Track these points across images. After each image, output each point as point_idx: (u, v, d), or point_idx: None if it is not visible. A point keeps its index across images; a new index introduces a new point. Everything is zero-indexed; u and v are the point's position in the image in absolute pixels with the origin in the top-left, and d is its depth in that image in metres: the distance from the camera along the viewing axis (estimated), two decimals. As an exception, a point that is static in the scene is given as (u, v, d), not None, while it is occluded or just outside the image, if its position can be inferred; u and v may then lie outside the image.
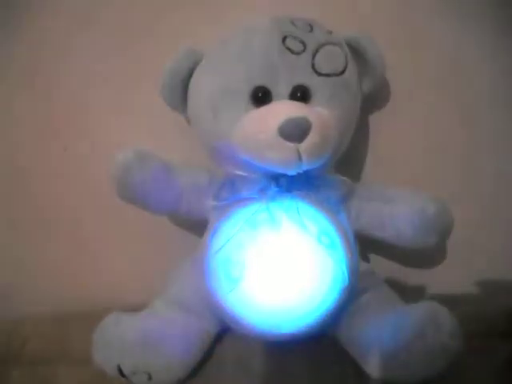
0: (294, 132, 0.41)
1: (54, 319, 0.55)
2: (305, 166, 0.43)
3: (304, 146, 0.41)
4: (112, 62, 0.56)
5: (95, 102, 0.57)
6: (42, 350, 0.53)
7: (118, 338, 0.45)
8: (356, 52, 0.47)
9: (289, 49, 0.44)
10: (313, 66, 0.44)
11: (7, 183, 0.60)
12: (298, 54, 0.44)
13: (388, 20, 0.55)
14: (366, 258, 0.55)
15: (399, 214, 0.47)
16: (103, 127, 0.57)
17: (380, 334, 0.44)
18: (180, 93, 0.48)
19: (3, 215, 0.60)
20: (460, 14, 0.55)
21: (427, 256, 0.56)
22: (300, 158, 0.42)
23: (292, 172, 0.44)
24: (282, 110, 0.42)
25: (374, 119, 0.56)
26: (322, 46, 0.45)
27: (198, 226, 0.50)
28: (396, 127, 0.56)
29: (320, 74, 0.44)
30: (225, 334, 0.50)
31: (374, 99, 0.53)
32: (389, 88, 0.55)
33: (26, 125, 0.59)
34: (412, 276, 0.57)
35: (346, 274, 0.45)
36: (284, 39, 0.44)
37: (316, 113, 0.43)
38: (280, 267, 0.45)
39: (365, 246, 0.52)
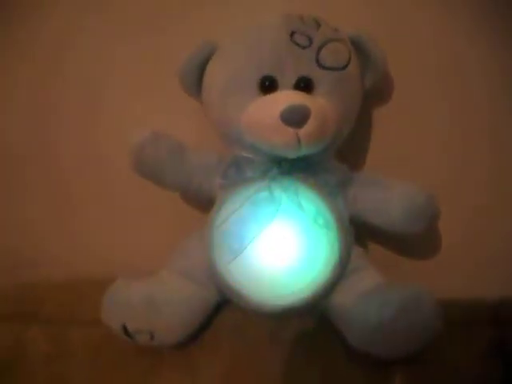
0: (294, 118, 0.46)
1: (67, 284, 0.61)
2: (304, 150, 0.48)
3: (303, 131, 0.47)
4: (133, 48, 0.62)
5: (115, 85, 0.63)
6: (56, 311, 0.59)
7: (125, 300, 0.50)
8: (359, 49, 0.53)
9: (296, 43, 0.49)
10: (317, 60, 0.49)
11: (32, 153, 0.66)
12: (304, 48, 0.49)
13: (390, 18, 0.59)
14: (363, 245, 0.59)
15: (392, 201, 0.52)
16: (123, 109, 0.63)
17: (366, 309, 0.49)
18: (196, 80, 0.54)
19: (27, 183, 0.67)
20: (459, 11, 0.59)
21: (421, 248, 0.62)
22: (299, 143, 0.47)
23: (292, 155, 0.49)
24: (285, 98, 0.48)
25: (377, 112, 0.61)
26: (327, 41, 0.50)
27: (206, 204, 0.55)
28: (397, 120, 0.61)
29: (323, 68, 0.50)
30: (224, 305, 0.55)
31: (376, 94, 0.58)
32: (392, 83, 0.59)
33: (45, 104, 0.65)
34: (404, 266, 0.62)
35: (338, 253, 0.50)
36: (292, 34, 0.49)
37: (317, 102, 0.48)
38: (277, 243, 0.50)
39: (363, 235, 0.57)
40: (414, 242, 0.59)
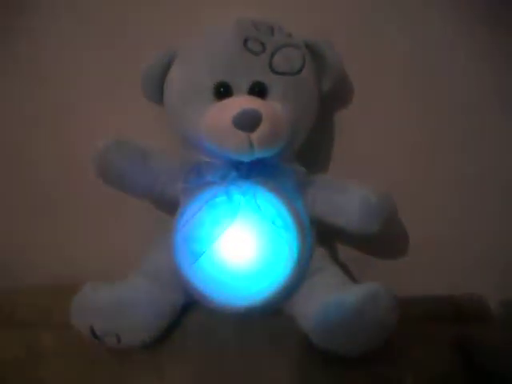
0: (246, 122, 0.48)
1: (42, 290, 0.62)
2: (257, 154, 0.50)
3: (255, 135, 0.48)
4: (98, 55, 0.63)
5: (83, 93, 0.65)
6: (29, 316, 0.60)
7: (92, 302, 0.52)
8: (315, 53, 0.54)
9: (249, 49, 0.51)
10: (270, 66, 0.51)
11: (3, 159, 0.68)
12: (257, 54, 0.51)
13: (350, 17, 0.61)
14: (327, 246, 0.60)
15: (348, 203, 0.54)
16: (90, 115, 0.65)
17: (326, 309, 0.50)
18: (156, 87, 0.56)
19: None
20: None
21: (388, 248, 0.64)
22: (252, 146, 0.49)
23: (246, 158, 0.51)
24: (238, 103, 0.50)
25: (338, 115, 0.63)
26: (280, 47, 0.52)
27: (171, 208, 0.57)
28: (358, 122, 0.62)
29: (276, 73, 0.52)
30: (191, 306, 0.56)
31: (337, 96, 0.60)
32: (352, 84, 0.61)
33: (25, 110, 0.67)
34: (373, 266, 0.64)
35: (297, 254, 0.52)
36: (246, 41, 0.51)
37: (270, 107, 0.50)
38: (236, 245, 0.52)
39: (332, 236, 0.59)
40: (382, 241, 0.60)
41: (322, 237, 0.57)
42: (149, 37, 0.61)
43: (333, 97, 0.58)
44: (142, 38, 0.61)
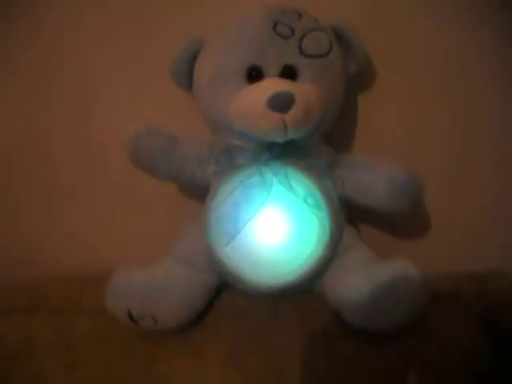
0: (280, 103, 0.51)
1: (72, 279, 0.65)
2: (290, 135, 0.53)
3: (289, 116, 0.51)
4: (127, 47, 0.67)
5: (108, 83, 0.68)
6: (61, 303, 0.62)
7: (129, 286, 0.54)
8: (340, 38, 0.57)
9: (279, 34, 0.54)
10: (300, 49, 0.54)
11: (26, 152, 0.70)
12: (286, 38, 0.54)
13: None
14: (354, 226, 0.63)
15: (376, 182, 0.57)
16: (120, 104, 0.68)
17: (357, 286, 0.52)
18: (186, 75, 0.59)
19: (22, 182, 0.71)
20: None
21: (410, 226, 0.67)
22: (285, 127, 0.51)
23: (279, 139, 0.54)
24: (271, 85, 0.53)
25: (363, 97, 0.66)
26: (308, 31, 0.54)
27: (202, 193, 0.59)
28: (383, 104, 0.66)
29: (306, 56, 0.54)
30: (224, 288, 0.59)
31: (361, 78, 0.63)
32: (377, 68, 0.64)
33: (46, 99, 0.69)
34: (395, 245, 0.67)
35: (329, 232, 0.55)
36: (275, 26, 0.54)
37: (301, 88, 0.53)
38: (271, 224, 0.55)
39: (354, 216, 0.61)
40: (404, 220, 0.64)
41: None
42: (175, 24, 0.64)
43: (358, 80, 0.61)
44: (169, 25, 0.64)
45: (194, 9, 0.64)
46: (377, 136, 0.66)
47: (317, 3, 0.59)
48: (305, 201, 0.54)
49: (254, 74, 0.54)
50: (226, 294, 0.59)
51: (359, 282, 0.52)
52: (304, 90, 0.53)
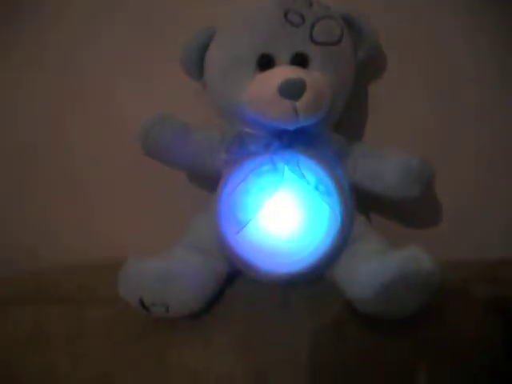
0: (291, 90, 0.51)
1: (84, 267, 0.66)
2: (301, 122, 0.53)
3: (300, 103, 0.52)
4: (136, 33, 0.68)
5: (126, 72, 0.69)
6: (73, 292, 0.63)
7: (140, 274, 0.54)
8: (351, 26, 0.58)
9: (290, 22, 0.54)
10: (311, 36, 0.55)
11: (25, 147, 0.72)
12: (297, 26, 0.55)
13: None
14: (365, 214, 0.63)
15: (387, 168, 0.57)
16: (132, 93, 0.69)
17: (368, 273, 0.53)
18: (197, 63, 0.59)
19: (29, 177, 0.72)
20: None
21: (421, 214, 0.68)
22: (297, 114, 0.52)
23: (291, 127, 0.54)
24: (282, 72, 0.53)
25: (373, 85, 0.67)
26: (319, 19, 0.55)
27: (213, 183, 0.59)
28: (394, 92, 0.66)
29: (317, 43, 0.55)
30: (235, 276, 0.60)
31: (373, 66, 0.64)
32: (389, 55, 0.65)
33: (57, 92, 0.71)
34: (406, 232, 0.67)
35: (340, 219, 0.55)
36: (286, 14, 0.55)
37: (312, 76, 0.54)
38: (281, 211, 0.56)
39: (365, 204, 0.62)
40: (415, 208, 0.64)
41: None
42: (186, 14, 0.65)
43: (369, 68, 0.62)
44: (180, 14, 0.65)
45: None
46: (388, 124, 0.67)
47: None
48: (316, 188, 0.55)
49: (266, 62, 0.55)
50: (237, 282, 0.60)
51: (371, 270, 0.53)
52: (315, 78, 0.54)
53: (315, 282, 0.58)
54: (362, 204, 0.60)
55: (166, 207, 0.70)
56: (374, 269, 0.53)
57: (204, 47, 0.59)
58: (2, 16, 0.68)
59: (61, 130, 0.71)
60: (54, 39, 0.69)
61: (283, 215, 0.56)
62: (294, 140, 0.56)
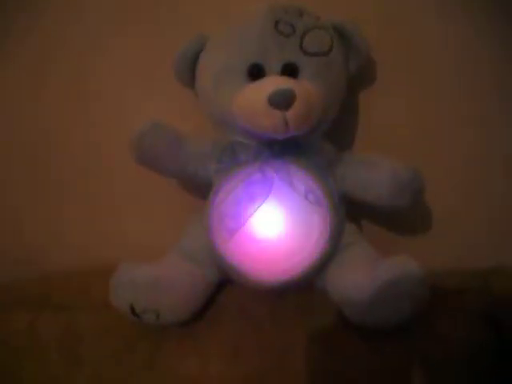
0: (281, 101, 0.52)
1: (77, 275, 0.67)
2: (291, 132, 0.54)
3: (290, 113, 0.52)
4: (131, 42, 0.69)
5: (111, 77, 0.70)
6: (66, 299, 0.64)
7: (132, 281, 0.55)
8: (342, 36, 0.59)
9: (280, 32, 0.55)
10: (301, 47, 0.55)
11: (32, 147, 0.73)
12: (288, 36, 0.55)
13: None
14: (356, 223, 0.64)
15: (377, 178, 0.58)
16: (122, 101, 0.70)
17: (359, 283, 0.53)
18: (189, 71, 0.60)
19: (29, 179, 0.74)
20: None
21: (412, 223, 0.68)
22: (287, 124, 0.53)
23: (280, 137, 0.55)
24: (272, 82, 0.54)
25: (364, 95, 0.67)
26: (309, 29, 0.56)
27: (203, 189, 0.61)
28: (385, 101, 0.67)
29: (307, 54, 0.56)
30: (226, 284, 0.61)
31: (363, 77, 0.64)
32: (378, 65, 0.66)
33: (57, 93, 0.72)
34: (397, 241, 0.68)
35: (330, 228, 0.56)
36: (276, 24, 0.55)
37: (302, 86, 0.54)
38: (271, 220, 0.56)
39: (356, 213, 0.63)
40: (405, 217, 0.65)
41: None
42: (180, 23, 0.66)
43: (360, 76, 0.62)
44: (174, 24, 0.66)
45: (199, 7, 0.66)
46: (378, 133, 0.67)
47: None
48: (306, 197, 0.56)
49: (256, 72, 0.56)
50: (228, 289, 0.61)
51: (361, 279, 0.53)
52: (305, 88, 0.54)
53: (305, 290, 0.59)
54: (353, 212, 0.61)
55: (157, 215, 0.72)
56: (363, 278, 0.53)
57: (196, 55, 0.59)
58: (11, 17, 0.69)
59: (72, 132, 0.72)
60: (36, 40, 0.70)
61: (273, 224, 0.56)
62: (284, 149, 0.56)
